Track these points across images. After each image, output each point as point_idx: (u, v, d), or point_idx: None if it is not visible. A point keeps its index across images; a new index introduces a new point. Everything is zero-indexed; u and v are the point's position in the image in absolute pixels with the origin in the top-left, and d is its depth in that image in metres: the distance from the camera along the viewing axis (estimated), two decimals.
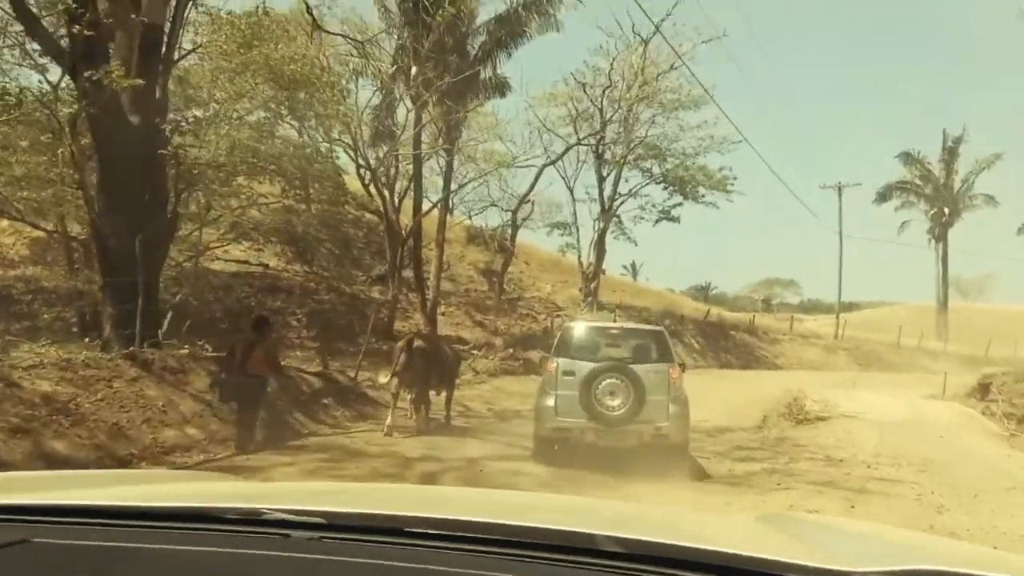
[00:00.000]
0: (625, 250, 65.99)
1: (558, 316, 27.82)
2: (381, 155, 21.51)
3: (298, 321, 22.54)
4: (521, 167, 27.15)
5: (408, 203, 22.47)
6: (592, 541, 1.22)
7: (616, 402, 8.01)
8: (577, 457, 8.22)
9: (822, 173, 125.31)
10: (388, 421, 10.53)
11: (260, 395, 8.90)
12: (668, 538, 1.22)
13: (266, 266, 24.94)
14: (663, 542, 1.19)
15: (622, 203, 29.59)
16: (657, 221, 31.22)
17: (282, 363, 10.89)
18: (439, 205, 22.75)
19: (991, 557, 1.83)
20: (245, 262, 24.83)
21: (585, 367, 8.21)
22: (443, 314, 25.29)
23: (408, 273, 22.73)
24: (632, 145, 27.57)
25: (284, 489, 2.60)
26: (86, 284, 13.51)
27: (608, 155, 27.74)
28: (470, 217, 29.29)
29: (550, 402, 8.37)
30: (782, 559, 1.15)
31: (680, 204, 30.95)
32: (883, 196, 42.30)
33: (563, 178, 28.86)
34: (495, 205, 28.35)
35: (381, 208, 22.15)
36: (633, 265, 51.26)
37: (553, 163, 26.25)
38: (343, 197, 22.94)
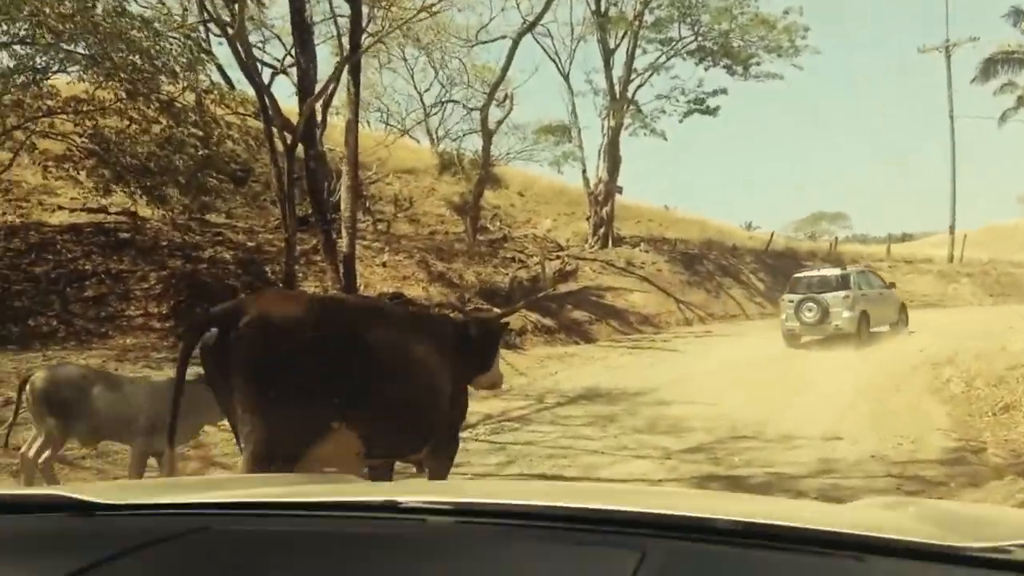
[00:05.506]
0: (647, 168, 55.68)
1: (557, 258, 19.39)
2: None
3: (146, 292, 14.69)
4: (487, 41, 18.65)
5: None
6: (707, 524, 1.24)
7: (811, 315, 14.50)
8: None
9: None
10: None
11: None
12: (781, 520, 1.26)
13: (132, 213, 17.40)
14: (768, 523, 1.22)
15: (640, 85, 20.65)
16: (686, 115, 22.07)
17: None
18: (342, 80, 14.21)
19: None
20: (100, 210, 17.39)
21: (796, 297, 14.87)
22: (384, 264, 17.20)
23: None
24: None
25: (417, 486, 3.00)
26: None
27: (614, 12, 18.78)
28: (427, 127, 20.84)
29: (783, 317, 15.12)
30: (894, 536, 1.16)
31: (723, 91, 21.89)
32: (986, 72, 32.32)
33: (553, 60, 20.14)
34: (454, 102, 19.89)
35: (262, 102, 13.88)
36: (666, 206, 40.60)
37: (531, 28, 17.55)
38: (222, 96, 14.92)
